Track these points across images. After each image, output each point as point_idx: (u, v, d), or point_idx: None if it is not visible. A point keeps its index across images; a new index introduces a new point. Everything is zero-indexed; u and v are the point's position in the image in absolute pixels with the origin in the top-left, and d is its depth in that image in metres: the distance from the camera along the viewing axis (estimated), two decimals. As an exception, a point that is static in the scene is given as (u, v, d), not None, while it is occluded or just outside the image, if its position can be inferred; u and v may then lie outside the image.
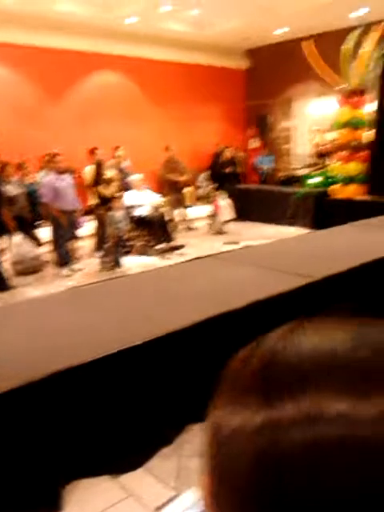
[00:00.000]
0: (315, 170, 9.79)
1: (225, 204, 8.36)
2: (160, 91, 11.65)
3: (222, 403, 0.32)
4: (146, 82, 11.49)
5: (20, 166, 7.92)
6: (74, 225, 6.83)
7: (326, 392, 0.28)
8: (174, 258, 6.92)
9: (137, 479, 2.48)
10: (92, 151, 7.63)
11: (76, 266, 6.73)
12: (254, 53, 13.23)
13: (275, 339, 0.32)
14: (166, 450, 2.66)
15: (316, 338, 0.31)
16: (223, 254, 4.67)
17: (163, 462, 2.60)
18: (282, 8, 9.50)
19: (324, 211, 8.59)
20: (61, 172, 6.51)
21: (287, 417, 0.28)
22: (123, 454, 2.49)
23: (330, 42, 9.88)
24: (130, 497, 2.38)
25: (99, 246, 6.96)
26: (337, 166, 8.77)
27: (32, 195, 7.40)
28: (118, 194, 6.82)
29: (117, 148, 8.28)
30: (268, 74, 12.66)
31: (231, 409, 0.31)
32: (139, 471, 2.52)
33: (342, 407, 0.27)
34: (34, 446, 2.19)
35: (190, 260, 4.48)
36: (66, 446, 2.29)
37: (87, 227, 7.31)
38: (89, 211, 7.37)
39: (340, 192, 8.63)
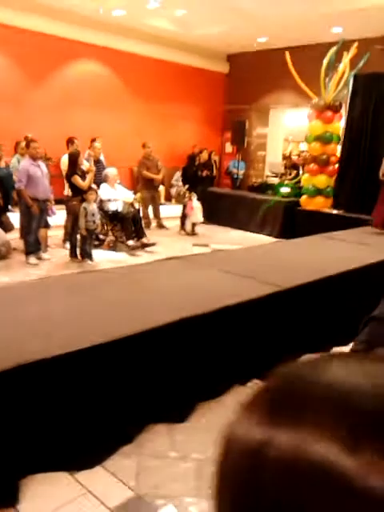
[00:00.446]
0: (287, 180, 10.03)
1: (198, 205, 8.47)
2: (141, 87, 11.65)
3: (239, 410, 0.34)
4: (128, 76, 11.45)
5: (-7, 149, 7.76)
6: (46, 213, 6.78)
7: (321, 430, 0.29)
8: (144, 256, 6.97)
9: (95, 477, 2.43)
10: (70, 141, 7.58)
11: (44, 256, 6.68)
12: (235, 58, 13.40)
13: (300, 364, 0.34)
14: (125, 449, 2.64)
15: (337, 374, 0.32)
16: (195, 257, 4.78)
17: (122, 460, 2.57)
18: (264, 18, 9.73)
19: (292, 221, 8.83)
20: (36, 158, 6.45)
21: (277, 442, 0.29)
22: (82, 450, 2.49)
23: (307, 55, 10.18)
24: (88, 494, 2.32)
25: (69, 237, 6.93)
26: (305, 177, 9.03)
27: (4, 180, 7.28)
28: (93, 186, 6.80)
29: (94, 139, 8.25)
30: (247, 81, 12.85)
31: (241, 418, 0.33)
32: (98, 469, 2.48)
33: (326, 452, 0.28)
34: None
35: (164, 259, 4.55)
36: (23, 439, 2.28)
37: (59, 217, 7.26)
38: (61, 201, 7.32)
39: (308, 203, 8.89)
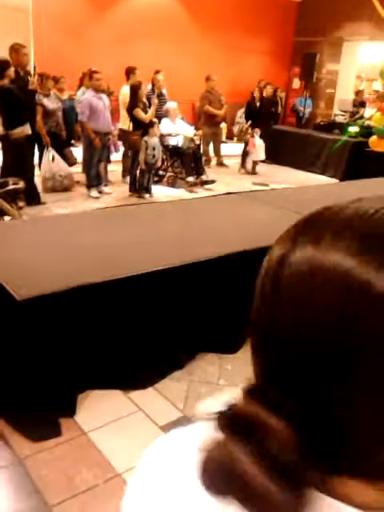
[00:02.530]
0: (355, 119, 9.45)
1: (261, 143, 8.19)
2: (205, 16, 11.10)
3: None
4: (192, 5, 10.94)
5: (56, 80, 7.75)
6: (107, 147, 6.80)
7: (337, 244, 0.33)
8: (202, 193, 6.92)
9: (147, 397, 2.59)
10: (131, 70, 7.28)
11: (105, 189, 6.78)
12: (309, -16, 12.43)
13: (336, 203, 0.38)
14: (177, 374, 2.78)
15: (363, 204, 0.36)
16: (253, 194, 4.68)
17: (173, 384, 2.72)
18: None
19: (358, 162, 8.40)
20: (98, 91, 6.41)
21: (294, 252, 0.35)
22: (136, 372, 2.63)
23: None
24: (139, 412, 2.48)
25: (129, 172, 6.96)
26: (377, 116, 8.44)
27: (68, 112, 7.33)
28: (155, 120, 6.68)
29: (157, 72, 8.02)
30: (321, 10, 11.92)
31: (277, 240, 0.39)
32: (150, 390, 2.64)
33: (338, 258, 0.33)
34: (55, 352, 2.32)
35: (222, 194, 4.49)
36: (82, 357, 2.42)
37: (120, 153, 7.26)
38: (119, 135, 7.30)
39: (377, 145, 8.37)
